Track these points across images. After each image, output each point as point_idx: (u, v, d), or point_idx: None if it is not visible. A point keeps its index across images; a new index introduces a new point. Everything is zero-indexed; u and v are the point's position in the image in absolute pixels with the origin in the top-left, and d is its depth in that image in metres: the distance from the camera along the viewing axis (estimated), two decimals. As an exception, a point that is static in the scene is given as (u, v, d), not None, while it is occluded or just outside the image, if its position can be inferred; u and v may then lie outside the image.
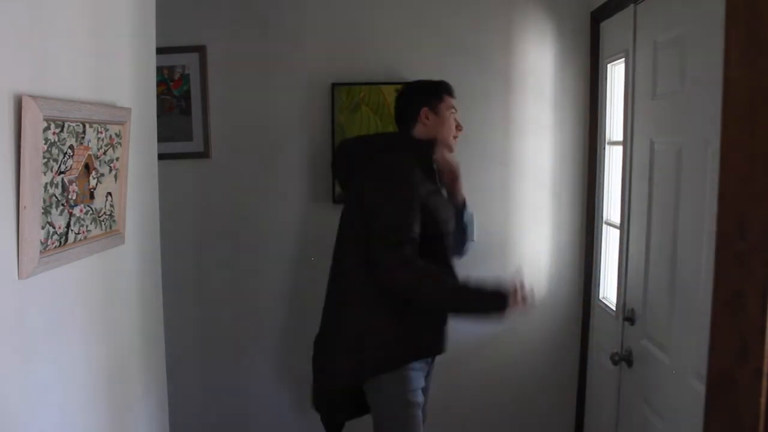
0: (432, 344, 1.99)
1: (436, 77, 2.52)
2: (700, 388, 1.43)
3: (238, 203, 2.63)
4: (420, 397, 1.94)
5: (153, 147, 1.73)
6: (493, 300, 1.84)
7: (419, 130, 2.07)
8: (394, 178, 1.91)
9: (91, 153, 1.29)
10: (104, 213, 1.38)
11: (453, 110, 2.10)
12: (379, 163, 1.96)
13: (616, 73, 2.40)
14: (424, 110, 2.06)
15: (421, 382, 1.96)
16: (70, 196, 1.22)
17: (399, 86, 2.24)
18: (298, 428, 2.72)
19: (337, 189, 2.56)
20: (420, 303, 1.89)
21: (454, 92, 2.13)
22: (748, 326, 0.72)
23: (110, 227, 1.41)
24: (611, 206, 2.44)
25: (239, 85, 2.56)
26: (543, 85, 2.58)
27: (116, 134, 1.40)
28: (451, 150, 2.11)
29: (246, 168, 2.61)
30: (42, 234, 1.13)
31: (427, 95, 2.09)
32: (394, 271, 1.81)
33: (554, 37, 2.56)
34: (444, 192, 2.10)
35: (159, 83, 2.30)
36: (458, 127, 2.11)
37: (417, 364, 1.92)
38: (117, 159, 1.41)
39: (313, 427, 2.73)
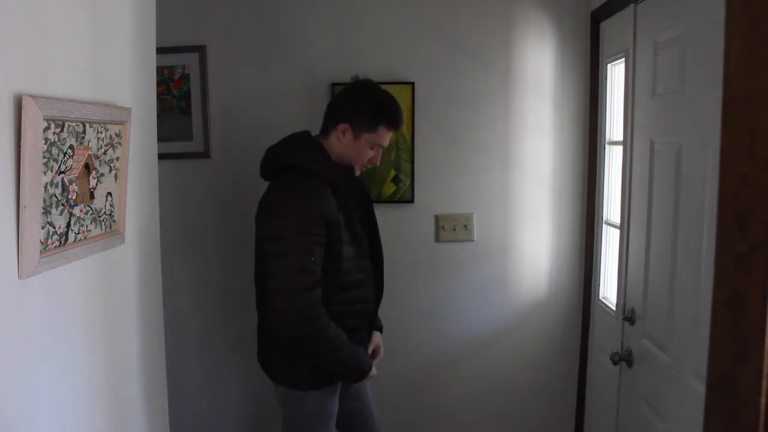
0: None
1: (436, 77, 2.54)
2: (700, 388, 1.43)
3: (238, 203, 2.62)
4: None
5: (153, 147, 1.73)
6: (354, 371, 1.87)
7: (331, 142, 1.85)
8: (292, 211, 1.74)
9: (91, 153, 1.29)
10: (104, 213, 1.38)
11: (378, 147, 1.86)
12: (279, 187, 1.83)
13: (616, 73, 2.40)
14: (344, 126, 1.81)
15: None
16: (70, 196, 1.22)
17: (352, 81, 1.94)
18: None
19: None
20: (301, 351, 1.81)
21: (399, 126, 1.86)
22: (748, 326, 0.71)
23: (110, 227, 1.41)
24: (611, 206, 2.44)
25: (239, 85, 2.56)
26: (543, 85, 2.58)
27: (116, 134, 1.40)
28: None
29: (246, 168, 2.60)
30: (42, 234, 1.13)
31: (360, 114, 1.81)
32: (290, 328, 1.73)
33: (554, 37, 2.56)
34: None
35: (159, 83, 2.30)
36: (372, 160, 1.88)
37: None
38: (117, 159, 1.41)
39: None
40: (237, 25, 2.54)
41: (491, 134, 2.59)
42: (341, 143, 1.84)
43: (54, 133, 1.14)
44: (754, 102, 0.71)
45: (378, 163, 1.94)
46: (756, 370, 0.70)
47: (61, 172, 1.18)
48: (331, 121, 1.86)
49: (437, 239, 2.61)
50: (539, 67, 2.58)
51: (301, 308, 1.70)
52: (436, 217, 2.61)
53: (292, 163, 1.82)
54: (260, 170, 1.93)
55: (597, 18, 2.47)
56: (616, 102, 2.39)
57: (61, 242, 1.20)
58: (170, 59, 2.49)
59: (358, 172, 1.92)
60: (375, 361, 1.96)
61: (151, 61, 1.71)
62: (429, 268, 2.62)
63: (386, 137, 1.86)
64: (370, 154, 1.86)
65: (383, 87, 2.50)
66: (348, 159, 1.86)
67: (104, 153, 1.35)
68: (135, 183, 1.55)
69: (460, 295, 2.64)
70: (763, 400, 0.69)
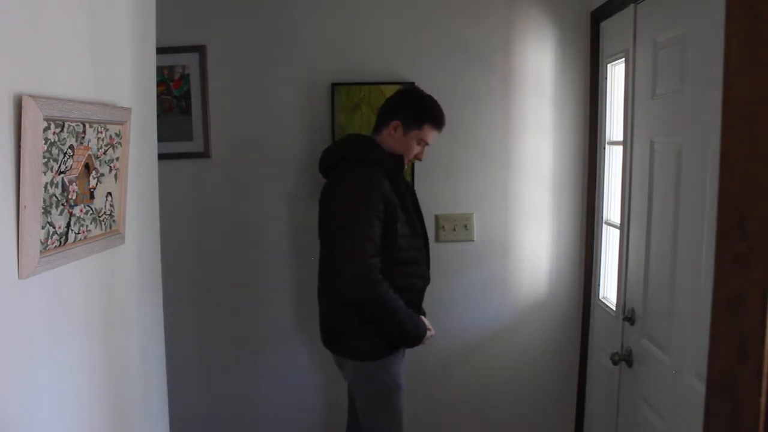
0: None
1: (436, 77, 2.54)
2: (700, 388, 1.43)
3: (238, 203, 2.63)
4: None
5: (153, 147, 1.73)
6: (411, 334, 2.05)
7: (383, 137, 2.10)
8: (356, 191, 1.97)
9: (91, 153, 1.29)
10: (104, 213, 1.38)
11: (424, 143, 2.11)
12: (343, 173, 2.04)
13: (616, 73, 2.40)
14: (396, 123, 2.08)
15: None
16: (70, 196, 1.22)
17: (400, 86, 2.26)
18: (298, 428, 2.72)
19: (337, 189, 2.56)
20: (365, 314, 2.01)
21: (441, 126, 2.13)
22: (748, 326, 0.72)
23: (110, 227, 1.41)
24: (611, 206, 2.44)
25: (239, 85, 2.56)
26: (543, 85, 2.58)
27: (116, 134, 1.40)
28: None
29: (246, 168, 2.61)
30: (42, 234, 1.13)
31: (409, 112, 2.08)
32: (356, 291, 1.93)
33: (554, 37, 2.56)
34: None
35: (159, 83, 2.30)
36: (417, 156, 2.14)
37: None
38: (117, 159, 1.41)
39: (314, 427, 2.73)
40: (237, 25, 2.54)
41: (491, 134, 2.59)
42: (392, 138, 2.09)
43: (54, 133, 1.14)
44: (754, 102, 0.71)
45: (422, 159, 2.19)
46: (756, 370, 0.70)
47: (61, 172, 1.18)
48: (384, 119, 2.12)
49: (437, 239, 2.61)
50: (539, 67, 2.58)
51: (365, 274, 1.91)
52: (436, 217, 2.61)
53: (351, 155, 2.06)
54: (319, 167, 2.20)
55: (597, 18, 2.47)
56: (616, 102, 2.39)
57: (61, 242, 1.20)
58: (170, 59, 2.49)
59: (405, 166, 2.14)
60: (429, 333, 2.13)
61: (151, 61, 1.71)
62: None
63: (431, 135, 2.12)
64: (417, 149, 2.12)
65: (383, 87, 2.52)
66: (398, 153, 2.10)
67: (104, 153, 1.35)
68: (135, 183, 1.55)
69: (460, 295, 2.64)
70: (763, 400, 0.69)
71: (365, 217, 1.93)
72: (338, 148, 2.15)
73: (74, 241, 1.25)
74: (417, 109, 2.09)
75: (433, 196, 2.60)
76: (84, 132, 1.25)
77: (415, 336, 2.06)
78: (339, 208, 1.99)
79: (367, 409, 2.10)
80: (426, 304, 2.62)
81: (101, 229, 1.37)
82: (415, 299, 2.12)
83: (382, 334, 2.02)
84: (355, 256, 1.91)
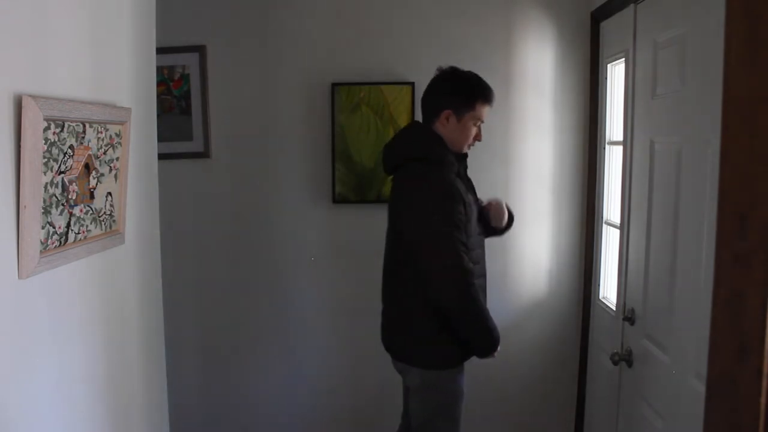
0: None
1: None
2: (700, 388, 1.43)
3: (238, 203, 2.63)
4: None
5: (153, 147, 1.73)
6: (493, 342, 1.94)
7: (437, 128, 1.98)
8: (438, 195, 1.87)
9: (91, 153, 1.29)
10: (104, 213, 1.38)
11: (479, 121, 1.98)
12: (418, 175, 1.92)
13: (616, 73, 2.40)
14: (447, 112, 1.95)
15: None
16: (70, 196, 1.22)
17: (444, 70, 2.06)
18: (297, 429, 2.72)
19: (338, 189, 2.56)
20: (452, 318, 1.90)
21: (492, 99, 1.98)
22: (748, 326, 0.72)
23: (110, 227, 1.41)
24: (611, 206, 2.44)
25: (239, 85, 2.56)
26: (543, 85, 2.58)
27: (116, 134, 1.40)
28: (459, 152, 2.02)
29: (246, 168, 2.61)
30: (42, 234, 1.13)
31: (457, 96, 1.95)
32: (455, 300, 1.85)
33: (554, 37, 2.56)
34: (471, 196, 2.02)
35: (159, 83, 2.30)
36: (477, 137, 2.01)
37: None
38: (117, 159, 1.41)
39: (313, 428, 2.73)
40: (237, 25, 2.54)
41: (491, 134, 2.58)
42: (446, 128, 1.96)
43: (54, 133, 1.14)
44: (754, 102, 0.71)
45: (481, 139, 2.04)
46: (756, 370, 0.70)
47: (61, 172, 1.18)
48: (433, 112, 1.99)
49: (437, 239, 2.61)
50: (539, 67, 2.58)
51: (464, 280, 1.83)
52: (436, 217, 2.61)
53: (418, 155, 1.95)
54: (384, 166, 2.08)
55: (597, 18, 2.47)
56: (616, 102, 2.39)
57: (61, 242, 1.20)
58: (170, 59, 2.49)
59: (467, 150, 2.04)
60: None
61: (151, 61, 1.71)
62: (429, 268, 2.62)
63: (484, 112, 1.98)
64: (474, 131, 1.99)
65: (383, 87, 2.52)
66: (455, 142, 1.98)
67: (104, 153, 1.35)
68: (135, 183, 1.55)
69: (460, 295, 2.64)
70: (763, 400, 0.69)
71: (451, 220, 1.84)
72: (403, 147, 2.02)
73: (74, 241, 1.25)
74: (464, 90, 1.95)
75: (433, 196, 2.59)
76: (84, 132, 1.25)
77: (494, 347, 1.95)
78: (424, 214, 1.87)
79: (428, 419, 1.99)
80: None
81: (101, 229, 1.37)
82: (485, 300, 2.02)
83: (459, 342, 1.92)
84: (453, 264, 1.82)
